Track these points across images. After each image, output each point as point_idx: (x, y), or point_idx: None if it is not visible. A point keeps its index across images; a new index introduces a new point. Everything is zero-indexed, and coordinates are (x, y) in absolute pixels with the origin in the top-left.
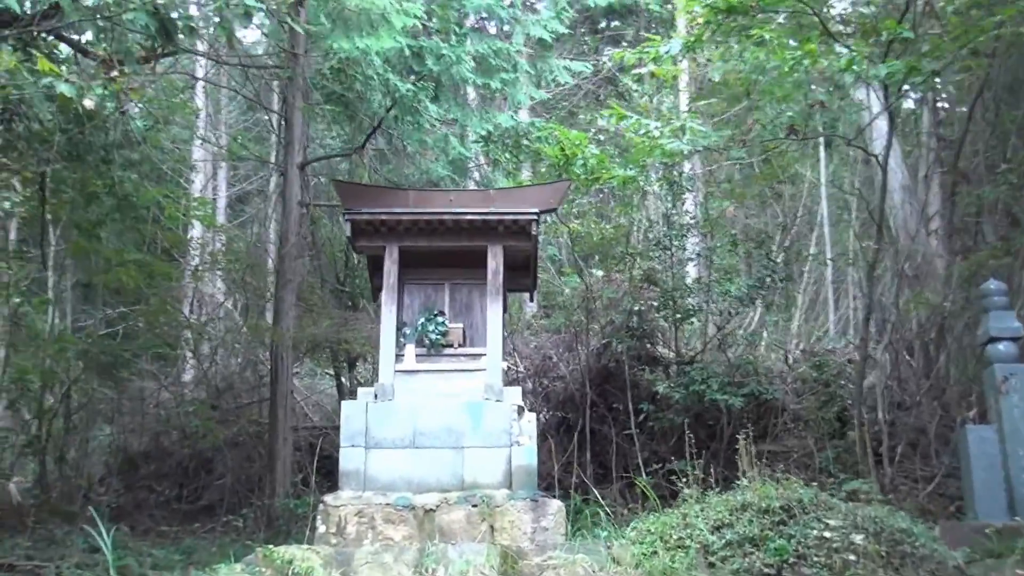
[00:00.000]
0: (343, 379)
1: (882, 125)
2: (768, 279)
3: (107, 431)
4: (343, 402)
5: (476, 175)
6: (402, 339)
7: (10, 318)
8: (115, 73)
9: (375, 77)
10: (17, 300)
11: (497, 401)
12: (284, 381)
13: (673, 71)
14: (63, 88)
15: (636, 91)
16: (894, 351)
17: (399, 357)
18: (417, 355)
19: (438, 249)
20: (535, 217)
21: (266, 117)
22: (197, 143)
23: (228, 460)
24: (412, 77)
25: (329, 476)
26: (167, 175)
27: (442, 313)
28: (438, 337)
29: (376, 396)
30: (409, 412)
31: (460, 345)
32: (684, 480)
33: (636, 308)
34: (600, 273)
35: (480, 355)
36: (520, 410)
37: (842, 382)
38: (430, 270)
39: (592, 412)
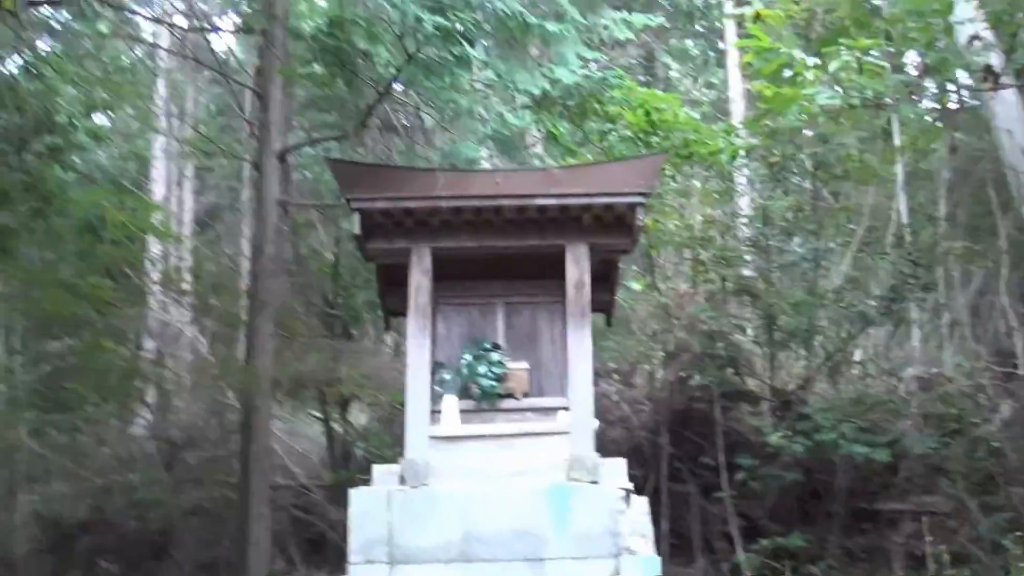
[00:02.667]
0: (333, 424)
1: None
2: (907, 287)
3: (36, 497)
4: (351, 492)
5: (521, 158)
6: (437, 388)
7: None
8: None
9: (388, 7)
10: None
11: (592, 483)
12: (260, 436)
13: (793, 10)
14: None
15: (678, 72)
16: None
17: (434, 415)
18: (463, 411)
19: (488, 253)
20: (641, 200)
21: (235, 101)
22: (158, 143)
23: (188, 536)
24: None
25: (317, 550)
26: (116, 177)
27: (497, 347)
28: (493, 384)
29: (402, 479)
30: (455, 504)
31: (526, 395)
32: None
33: (723, 329)
34: (668, 285)
35: (558, 410)
36: (627, 495)
37: (975, 420)
38: (475, 284)
39: (668, 467)
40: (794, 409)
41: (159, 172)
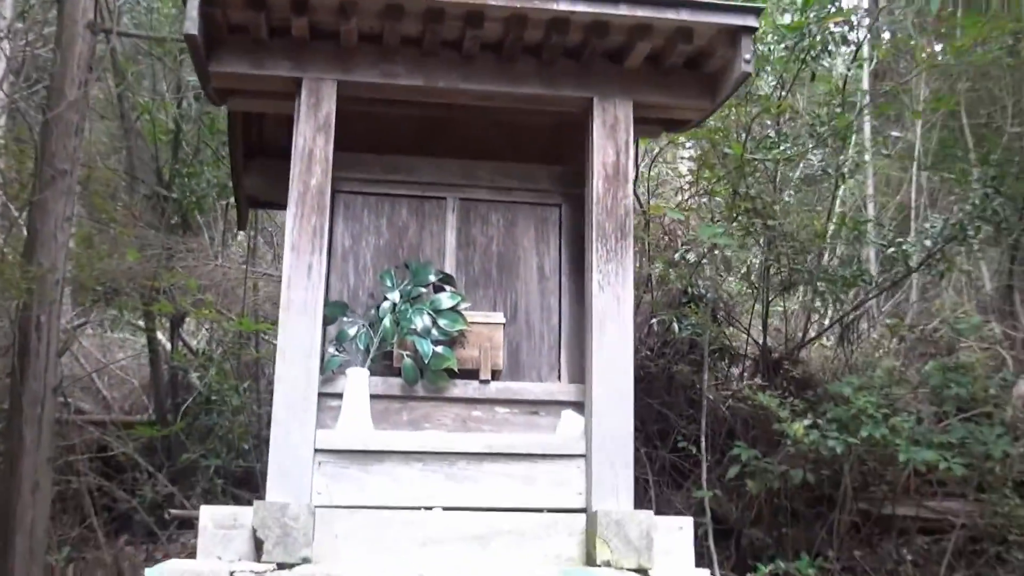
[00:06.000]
0: (159, 337)
1: None
2: (979, 222)
3: None
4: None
5: None
6: (334, 352)
7: None
8: None
9: None
10: None
11: (637, 573)
12: (41, 369)
13: None
14: None
15: None
16: None
17: (324, 403)
18: (379, 399)
19: (442, 104)
20: (753, 23)
21: None
22: None
23: None
24: None
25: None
26: None
27: (448, 280)
28: (440, 352)
29: (259, 545)
30: None
31: (496, 374)
32: None
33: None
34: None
35: (559, 406)
36: None
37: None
38: (409, 162)
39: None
40: (811, 384)
41: None
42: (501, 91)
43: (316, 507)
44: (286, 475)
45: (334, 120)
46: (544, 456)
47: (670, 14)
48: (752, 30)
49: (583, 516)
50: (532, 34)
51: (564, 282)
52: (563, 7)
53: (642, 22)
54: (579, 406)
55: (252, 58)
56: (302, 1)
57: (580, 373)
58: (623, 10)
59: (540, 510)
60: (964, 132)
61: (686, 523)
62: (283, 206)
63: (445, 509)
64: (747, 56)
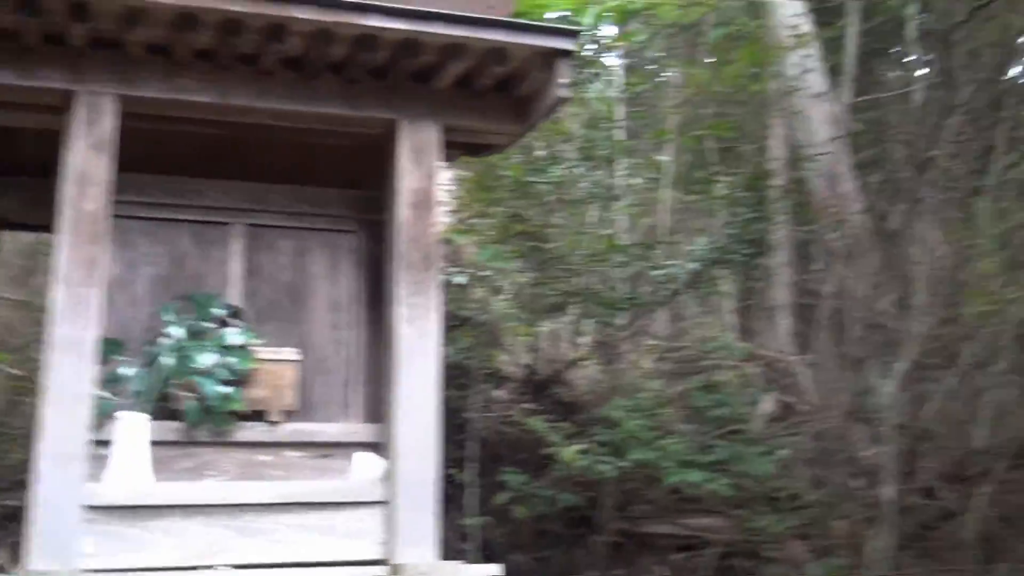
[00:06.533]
0: None
1: None
2: (744, 244)
3: None
4: None
5: None
6: (106, 396)
7: None
8: None
9: None
10: None
11: None
12: None
13: None
14: None
15: None
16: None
17: (96, 451)
18: (159, 445)
19: (231, 123)
20: (571, 46)
21: None
22: None
23: None
24: None
25: None
26: None
27: (236, 314)
28: (229, 392)
29: None
30: None
31: (290, 415)
32: None
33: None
34: None
35: (356, 446)
36: None
37: (743, 418)
38: (191, 185)
39: None
40: (579, 406)
41: None
42: (300, 110)
43: (87, 572)
44: (50, 537)
45: (114, 138)
46: (341, 504)
47: (485, 34)
48: (568, 54)
49: (387, 568)
50: (337, 51)
51: (359, 314)
52: (374, 23)
53: (455, 41)
54: (377, 447)
55: (21, 67)
56: (82, 5)
57: (377, 412)
58: (437, 28)
59: (340, 564)
60: (709, 156)
61: (496, 571)
62: (39, 228)
63: (236, 567)
64: (562, 80)
